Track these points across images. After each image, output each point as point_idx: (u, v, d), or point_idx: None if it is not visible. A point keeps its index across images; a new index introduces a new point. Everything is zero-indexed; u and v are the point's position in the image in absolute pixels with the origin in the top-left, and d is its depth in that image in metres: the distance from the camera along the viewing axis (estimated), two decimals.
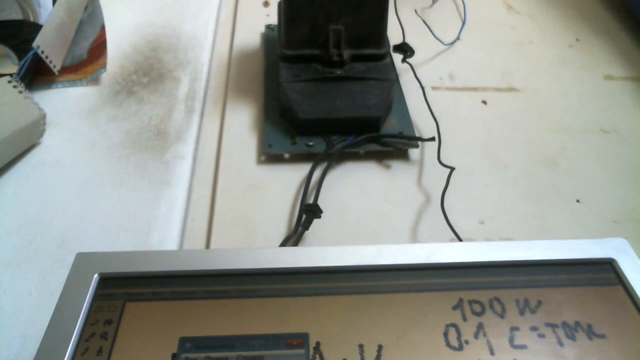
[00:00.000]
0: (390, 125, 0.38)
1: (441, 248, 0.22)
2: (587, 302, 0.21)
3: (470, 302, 0.20)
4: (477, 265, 0.22)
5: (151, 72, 0.43)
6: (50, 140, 0.37)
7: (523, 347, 0.20)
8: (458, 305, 0.20)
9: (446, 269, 0.22)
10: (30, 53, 0.38)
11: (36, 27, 0.39)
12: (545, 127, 0.41)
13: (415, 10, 0.50)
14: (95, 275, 0.20)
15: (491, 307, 0.20)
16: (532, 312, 0.20)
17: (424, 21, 0.47)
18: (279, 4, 0.41)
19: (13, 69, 0.37)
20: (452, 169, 0.34)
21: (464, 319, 0.20)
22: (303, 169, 0.36)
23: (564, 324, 0.20)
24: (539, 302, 0.20)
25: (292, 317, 0.20)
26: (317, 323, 0.20)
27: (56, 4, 0.40)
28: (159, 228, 0.33)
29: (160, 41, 0.46)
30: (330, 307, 0.20)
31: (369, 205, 0.34)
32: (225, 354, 0.19)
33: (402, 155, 0.38)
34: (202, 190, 0.35)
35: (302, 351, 0.19)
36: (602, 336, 0.20)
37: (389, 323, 0.20)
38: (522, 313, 0.20)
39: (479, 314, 0.20)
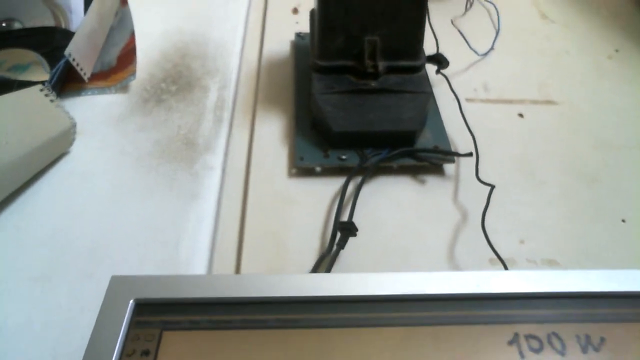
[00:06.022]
0: (425, 139, 0.37)
1: (491, 276, 0.21)
2: None
3: (527, 336, 0.19)
4: (531, 296, 0.20)
5: (180, 79, 0.43)
6: (79, 149, 0.37)
7: None
8: (514, 341, 0.19)
9: (499, 300, 0.20)
10: (62, 61, 0.37)
11: (68, 34, 0.39)
12: (586, 142, 0.39)
13: (452, 21, 0.48)
14: (131, 302, 0.19)
15: (550, 342, 0.19)
16: (596, 350, 0.19)
17: (459, 31, 0.46)
18: (312, 13, 0.40)
19: (45, 76, 0.37)
20: (493, 186, 0.33)
21: (522, 355, 0.19)
22: (335, 183, 0.35)
23: None
24: (602, 339, 0.19)
25: (335, 350, 0.19)
26: (362, 357, 0.19)
27: (89, 10, 0.40)
28: (188, 241, 0.32)
29: (189, 48, 0.46)
30: (376, 340, 0.19)
31: (404, 222, 0.33)
32: None
33: (437, 170, 0.36)
34: (232, 203, 0.34)
35: None
36: None
37: (440, 358, 0.19)
38: (584, 351, 0.19)
39: (537, 351, 0.19)
